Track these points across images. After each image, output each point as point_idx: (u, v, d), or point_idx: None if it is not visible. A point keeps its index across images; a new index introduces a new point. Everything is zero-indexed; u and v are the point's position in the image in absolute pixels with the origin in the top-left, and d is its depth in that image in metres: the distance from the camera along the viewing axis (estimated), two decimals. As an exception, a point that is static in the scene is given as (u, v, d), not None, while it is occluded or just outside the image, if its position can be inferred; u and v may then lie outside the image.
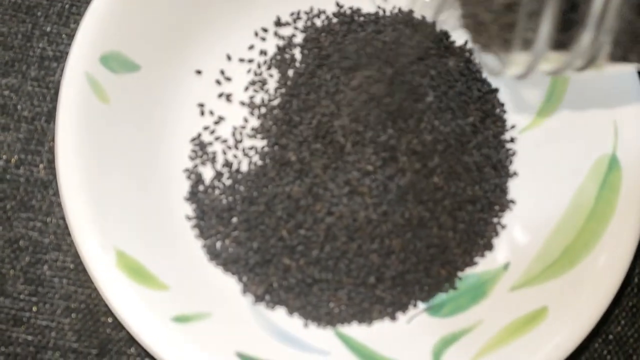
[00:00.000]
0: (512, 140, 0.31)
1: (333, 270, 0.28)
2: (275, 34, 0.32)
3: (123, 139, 0.29)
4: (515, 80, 0.30)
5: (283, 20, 0.32)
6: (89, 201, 0.27)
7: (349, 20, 0.31)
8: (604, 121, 0.28)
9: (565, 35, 0.19)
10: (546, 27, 0.18)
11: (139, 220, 0.28)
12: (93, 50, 0.28)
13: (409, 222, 0.28)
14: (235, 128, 0.31)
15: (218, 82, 0.32)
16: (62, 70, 0.32)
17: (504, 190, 0.30)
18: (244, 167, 0.30)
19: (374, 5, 0.32)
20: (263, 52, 0.32)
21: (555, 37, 0.19)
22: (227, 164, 0.30)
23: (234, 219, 0.29)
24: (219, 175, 0.30)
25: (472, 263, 0.29)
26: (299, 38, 0.32)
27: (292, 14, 0.32)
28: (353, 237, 0.28)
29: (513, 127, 0.31)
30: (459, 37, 0.31)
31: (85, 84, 0.28)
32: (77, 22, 0.32)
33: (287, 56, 0.32)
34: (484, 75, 0.31)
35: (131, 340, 0.29)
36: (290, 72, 0.31)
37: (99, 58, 0.28)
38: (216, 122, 0.31)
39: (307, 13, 0.32)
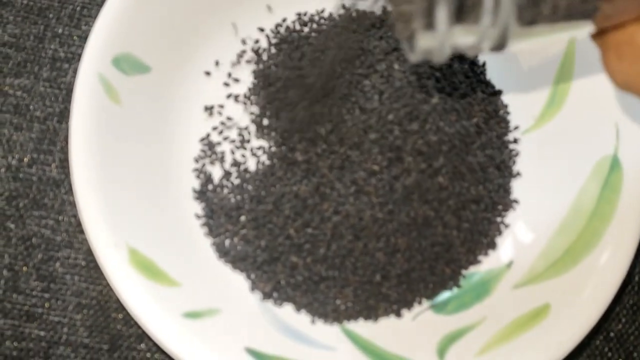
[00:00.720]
0: (515, 141, 0.31)
1: (339, 268, 0.29)
2: (282, 35, 0.33)
3: (134, 139, 0.29)
4: (517, 82, 0.31)
5: (289, 22, 0.33)
6: (102, 199, 0.27)
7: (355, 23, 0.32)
8: (605, 123, 0.29)
9: (467, 10, 0.18)
10: (443, 12, 0.18)
11: (150, 219, 0.28)
12: (105, 53, 0.28)
13: (414, 221, 0.29)
14: (243, 128, 0.31)
15: (226, 83, 0.32)
16: (73, 72, 0.32)
17: (507, 190, 0.30)
18: (252, 167, 0.31)
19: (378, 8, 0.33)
20: (271, 54, 0.32)
21: (456, 15, 0.18)
22: (236, 164, 0.31)
23: (242, 218, 0.30)
24: (227, 174, 0.31)
25: (476, 262, 0.30)
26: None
27: (298, 17, 0.33)
28: (359, 236, 0.29)
29: (516, 128, 0.31)
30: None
31: (97, 85, 0.28)
32: (88, 24, 0.33)
33: (289, 57, 0.32)
34: (488, 77, 0.32)
35: (141, 336, 0.30)
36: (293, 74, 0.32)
37: (111, 60, 0.29)
38: (224, 123, 0.32)
39: (313, 15, 0.33)
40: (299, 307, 0.29)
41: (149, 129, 0.30)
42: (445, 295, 0.29)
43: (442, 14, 0.18)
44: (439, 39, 0.19)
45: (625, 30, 0.19)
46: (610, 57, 0.20)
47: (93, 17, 0.33)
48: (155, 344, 0.30)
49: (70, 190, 0.31)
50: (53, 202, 0.31)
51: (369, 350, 0.28)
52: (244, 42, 0.32)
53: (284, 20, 0.33)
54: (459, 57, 0.31)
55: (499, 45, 0.19)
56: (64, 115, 0.32)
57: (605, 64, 0.20)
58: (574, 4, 0.18)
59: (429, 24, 0.18)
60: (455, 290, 0.29)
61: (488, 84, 0.32)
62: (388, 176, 0.29)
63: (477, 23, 0.18)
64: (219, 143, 0.31)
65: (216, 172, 0.31)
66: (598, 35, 0.20)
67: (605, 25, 0.19)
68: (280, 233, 0.29)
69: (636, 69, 0.19)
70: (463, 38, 0.19)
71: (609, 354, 0.30)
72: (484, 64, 0.32)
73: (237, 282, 0.29)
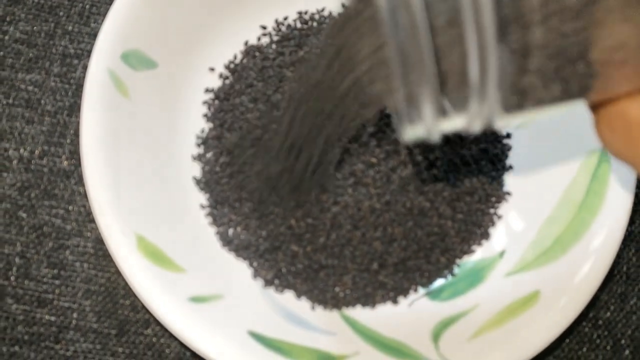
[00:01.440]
0: (508, 135, 0.32)
1: (338, 257, 0.30)
2: (283, 32, 0.34)
3: (142, 132, 0.30)
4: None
5: (291, 20, 0.33)
6: (111, 189, 0.28)
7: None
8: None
9: (453, 100, 0.18)
10: (428, 109, 0.17)
11: (157, 208, 0.29)
12: (115, 48, 0.29)
13: (411, 212, 0.29)
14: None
15: (228, 78, 0.33)
16: (83, 67, 0.33)
17: (500, 183, 0.31)
18: (255, 159, 0.32)
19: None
20: (274, 50, 0.33)
21: (441, 105, 0.17)
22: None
23: (245, 208, 0.31)
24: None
25: (470, 251, 0.31)
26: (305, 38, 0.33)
27: (299, 15, 0.33)
28: (357, 226, 0.29)
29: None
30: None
31: (107, 79, 0.29)
32: (97, 22, 0.34)
33: (290, 54, 0.33)
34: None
35: (148, 322, 0.31)
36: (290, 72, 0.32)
37: (121, 55, 0.29)
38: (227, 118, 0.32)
39: (313, 14, 0.33)
40: (299, 294, 0.30)
41: (156, 122, 0.30)
42: (440, 282, 0.30)
43: (427, 112, 0.17)
44: (426, 130, 0.18)
45: (617, 104, 0.19)
46: (603, 129, 0.20)
47: (102, 15, 0.34)
48: (161, 329, 0.31)
49: (79, 181, 0.32)
50: (63, 192, 0.32)
51: (366, 335, 0.29)
52: (246, 39, 0.33)
53: (286, 18, 0.33)
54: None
55: (489, 125, 0.18)
56: (74, 109, 0.33)
57: (598, 134, 0.20)
58: (559, 95, 0.18)
59: (414, 119, 0.18)
60: (449, 278, 0.30)
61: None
62: (385, 168, 0.29)
63: (463, 111, 0.18)
64: (223, 136, 0.32)
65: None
66: (591, 106, 0.20)
67: (598, 100, 0.19)
68: (282, 223, 0.30)
69: (628, 142, 0.19)
70: (451, 124, 0.18)
71: (597, 341, 0.31)
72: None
73: (240, 269, 0.30)
